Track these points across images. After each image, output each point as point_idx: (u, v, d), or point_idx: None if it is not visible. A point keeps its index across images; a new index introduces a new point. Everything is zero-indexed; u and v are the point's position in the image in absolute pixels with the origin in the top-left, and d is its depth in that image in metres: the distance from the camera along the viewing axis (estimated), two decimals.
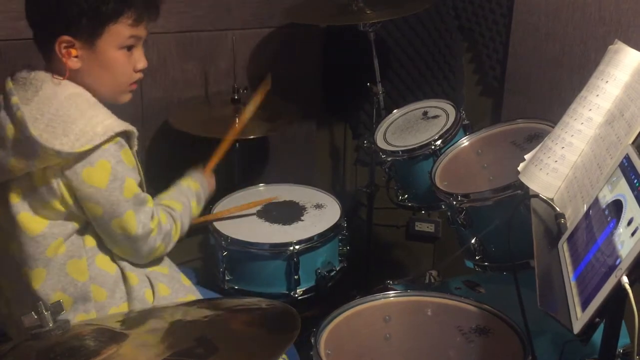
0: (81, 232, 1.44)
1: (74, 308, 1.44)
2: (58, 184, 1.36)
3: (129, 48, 1.43)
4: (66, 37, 1.35)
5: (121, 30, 1.39)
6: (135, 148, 1.44)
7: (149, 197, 1.49)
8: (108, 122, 1.36)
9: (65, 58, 1.37)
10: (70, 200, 1.38)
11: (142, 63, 1.46)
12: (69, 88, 1.38)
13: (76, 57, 1.38)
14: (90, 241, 1.45)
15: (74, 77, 1.39)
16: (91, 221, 1.43)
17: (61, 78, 1.38)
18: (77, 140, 1.32)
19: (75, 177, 1.35)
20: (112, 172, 1.37)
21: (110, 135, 1.35)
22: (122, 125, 1.38)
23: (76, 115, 1.34)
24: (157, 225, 1.49)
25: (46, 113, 1.33)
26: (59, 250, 1.41)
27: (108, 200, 1.39)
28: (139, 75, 1.48)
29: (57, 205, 1.38)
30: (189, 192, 1.67)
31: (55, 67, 1.39)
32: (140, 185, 1.47)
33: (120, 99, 1.46)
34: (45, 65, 1.41)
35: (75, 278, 1.43)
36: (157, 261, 1.56)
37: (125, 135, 1.40)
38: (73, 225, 1.42)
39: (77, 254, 1.43)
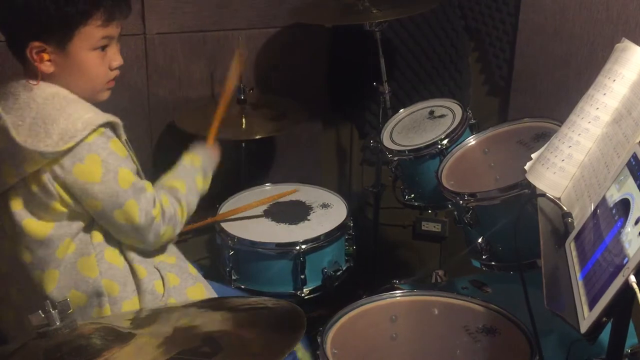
0: (87, 229, 1.45)
1: (89, 304, 1.45)
2: (53, 186, 1.36)
3: (103, 48, 1.41)
4: (37, 43, 1.34)
5: (92, 31, 1.37)
6: (124, 137, 1.44)
7: (147, 183, 1.48)
8: (88, 117, 1.36)
9: (38, 63, 1.36)
10: (69, 200, 1.38)
11: (117, 61, 1.45)
12: (46, 89, 1.38)
13: (49, 61, 1.37)
14: (97, 237, 1.46)
15: (50, 79, 1.39)
16: (94, 216, 1.43)
17: (35, 82, 1.37)
18: (60, 139, 1.32)
19: (68, 176, 1.36)
20: (104, 164, 1.37)
21: (92, 129, 1.35)
22: (102, 117, 1.38)
23: (56, 115, 1.34)
24: (160, 212, 1.48)
25: (27, 117, 1.34)
26: (68, 250, 1.42)
27: (105, 193, 1.39)
28: (115, 73, 1.46)
29: (58, 206, 1.38)
30: (192, 169, 1.64)
31: (31, 71, 1.38)
32: (137, 174, 1.46)
33: (97, 97, 1.45)
34: (23, 70, 1.40)
35: (86, 275, 1.44)
36: (163, 250, 1.56)
37: (109, 126, 1.40)
38: (79, 224, 1.43)
39: (86, 251, 1.44)
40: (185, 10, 2.21)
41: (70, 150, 1.34)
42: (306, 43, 2.46)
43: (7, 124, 1.33)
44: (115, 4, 1.39)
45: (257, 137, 2.08)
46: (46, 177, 1.36)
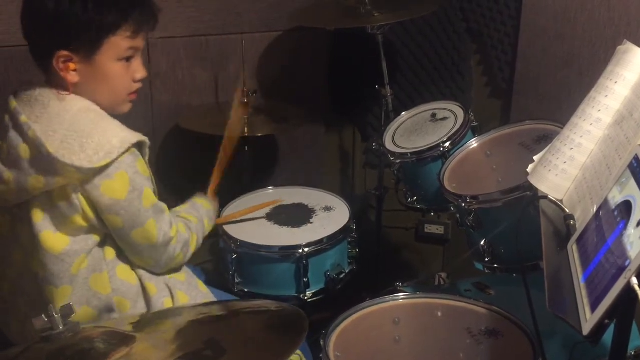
0: (101, 244, 1.45)
1: (99, 319, 1.45)
2: (78, 199, 1.36)
3: (128, 59, 1.42)
4: (64, 52, 1.34)
5: (120, 42, 1.38)
6: (147, 157, 1.45)
7: (165, 206, 1.49)
8: (123, 134, 1.37)
9: (64, 72, 1.35)
10: (91, 214, 1.38)
11: (140, 73, 1.45)
12: (77, 102, 1.38)
13: (74, 70, 1.36)
14: (110, 253, 1.46)
15: (74, 89, 1.38)
16: (112, 233, 1.43)
17: (66, 93, 1.37)
18: (95, 155, 1.32)
19: (95, 191, 1.35)
20: (131, 183, 1.38)
21: (127, 146, 1.35)
22: (136, 136, 1.39)
23: (90, 130, 1.34)
24: (177, 233, 1.50)
25: (59, 129, 1.33)
26: (82, 266, 1.41)
27: (128, 211, 1.39)
28: (138, 85, 1.47)
29: (79, 220, 1.38)
30: (202, 209, 1.69)
31: (54, 81, 1.38)
32: (154, 194, 1.47)
33: (119, 109, 1.46)
34: (45, 79, 1.40)
35: (98, 291, 1.44)
36: (174, 269, 1.56)
37: (138, 145, 1.40)
38: (94, 239, 1.43)
39: (99, 267, 1.44)
40: (188, 14, 2.22)
41: (104, 166, 1.33)
42: (308, 46, 2.47)
43: (38, 134, 1.31)
44: (145, 16, 1.40)
45: (259, 134, 2.09)
46: (72, 190, 1.35)
